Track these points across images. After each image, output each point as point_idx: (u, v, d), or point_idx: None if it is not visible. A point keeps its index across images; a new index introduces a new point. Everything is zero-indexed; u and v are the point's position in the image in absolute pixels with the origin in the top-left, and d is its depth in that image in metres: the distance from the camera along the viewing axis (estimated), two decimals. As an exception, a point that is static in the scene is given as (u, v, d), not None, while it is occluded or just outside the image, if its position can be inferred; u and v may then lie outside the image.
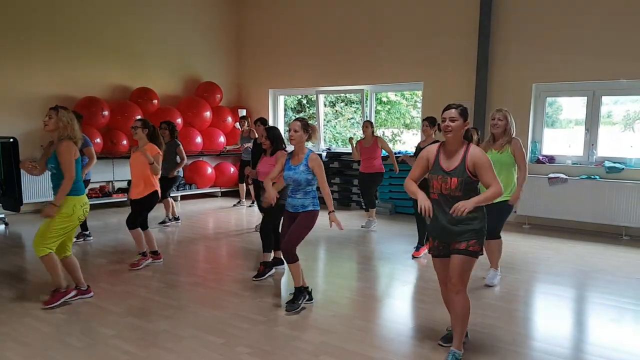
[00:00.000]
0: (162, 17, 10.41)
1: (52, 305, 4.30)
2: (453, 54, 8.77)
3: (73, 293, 4.47)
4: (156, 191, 5.58)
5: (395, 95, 13.05)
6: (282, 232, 4.43)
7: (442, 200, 3.36)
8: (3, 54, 8.32)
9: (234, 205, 9.93)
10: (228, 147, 10.53)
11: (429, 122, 6.06)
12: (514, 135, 4.87)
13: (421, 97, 9.61)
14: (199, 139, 10.32)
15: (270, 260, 5.38)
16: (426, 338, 3.79)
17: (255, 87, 11.67)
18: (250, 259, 5.96)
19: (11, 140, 7.68)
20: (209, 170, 10.74)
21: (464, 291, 3.35)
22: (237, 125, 10.56)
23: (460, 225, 3.29)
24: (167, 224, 7.97)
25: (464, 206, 3.14)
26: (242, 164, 9.27)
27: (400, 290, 5.13)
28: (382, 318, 4.41)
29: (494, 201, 4.39)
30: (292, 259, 4.29)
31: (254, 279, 5.18)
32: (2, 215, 7.81)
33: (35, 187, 8.57)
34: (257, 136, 7.40)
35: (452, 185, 3.28)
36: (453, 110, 3.31)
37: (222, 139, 10.81)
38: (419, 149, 5.97)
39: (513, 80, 8.24)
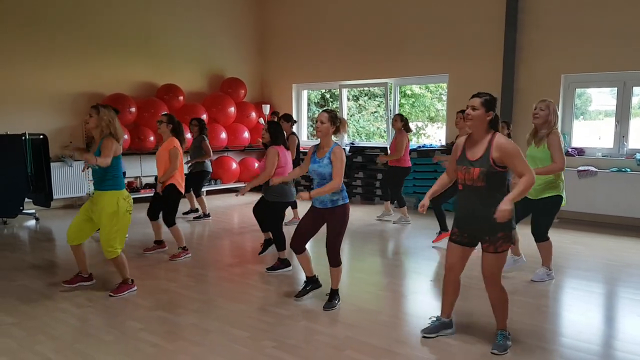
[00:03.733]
0: (187, 14, 10.50)
1: (119, 295, 4.49)
2: (479, 45, 8.63)
3: (135, 288, 4.65)
4: (173, 185, 5.69)
5: (420, 88, 12.91)
6: (299, 227, 4.31)
7: (467, 190, 3.33)
8: (33, 52, 8.51)
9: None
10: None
11: (463, 114, 5.92)
12: (555, 129, 4.61)
13: (446, 90, 9.50)
14: (223, 135, 10.40)
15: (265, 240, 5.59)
16: (451, 335, 3.75)
17: (279, 82, 11.69)
18: (275, 254, 5.98)
19: (41, 136, 7.88)
20: (234, 165, 10.82)
21: (499, 284, 3.42)
22: (262, 120, 10.61)
23: (488, 219, 3.24)
24: (202, 219, 8.03)
25: (504, 210, 3.13)
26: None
27: (426, 285, 5.09)
28: (407, 313, 4.39)
29: (535, 197, 4.34)
30: (336, 262, 4.20)
31: (267, 270, 5.31)
32: (33, 211, 8.01)
33: (65, 183, 8.77)
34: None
35: (474, 176, 3.25)
36: (476, 99, 3.31)
37: (246, 134, 10.87)
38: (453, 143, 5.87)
39: (541, 72, 8.05)
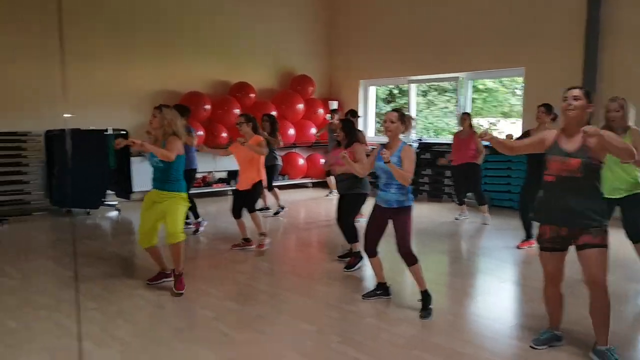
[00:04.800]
0: (258, 14, 10.73)
1: (182, 290, 4.48)
2: (557, 37, 8.19)
3: (171, 279, 4.71)
4: (260, 181, 5.84)
5: (493, 82, 12.48)
6: (367, 231, 4.28)
7: (560, 182, 3.19)
8: (115, 52, 9.01)
9: (326, 195, 10.08)
10: (317, 134, 10.57)
11: (546, 108, 5.61)
12: (632, 126, 4.30)
13: (522, 84, 9.11)
14: (291, 131, 10.55)
15: (354, 250, 5.41)
16: (522, 338, 3.61)
17: (347, 78, 11.70)
18: (338, 250, 6.00)
19: (122, 132, 8.35)
20: (301, 161, 10.96)
21: (605, 286, 3.15)
22: (328, 116, 10.66)
23: (585, 211, 3.12)
24: (280, 213, 8.13)
25: (595, 129, 2.96)
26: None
27: (497, 287, 4.93)
28: (476, 314, 4.27)
29: (624, 195, 4.07)
30: (412, 260, 4.10)
31: (345, 270, 5.23)
32: (115, 202, 8.51)
33: (143, 177, 9.22)
34: None
35: (572, 167, 3.13)
36: (576, 89, 3.22)
37: (313, 130, 10.98)
38: (526, 134, 5.62)
39: (627, 64, 7.53)
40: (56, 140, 8.03)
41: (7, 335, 3.62)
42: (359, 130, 7.38)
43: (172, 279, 4.67)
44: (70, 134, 7.77)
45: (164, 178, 4.50)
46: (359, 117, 7.67)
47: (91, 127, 8.04)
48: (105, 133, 8.11)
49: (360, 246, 5.33)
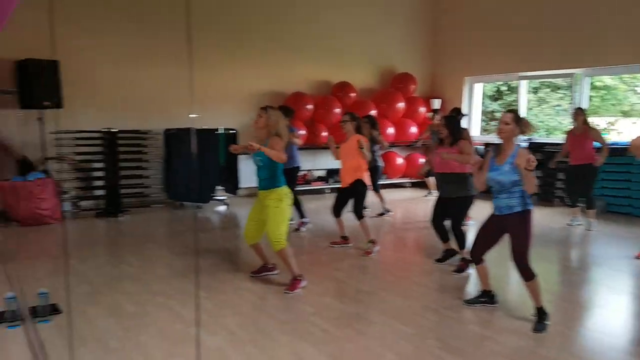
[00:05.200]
0: (360, 12, 10.77)
1: (294, 292, 4.55)
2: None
3: (305, 282, 4.73)
4: (361, 180, 5.85)
5: (612, 79, 11.51)
6: (478, 236, 4.08)
7: None
8: (228, 56, 9.47)
9: (425, 196, 9.91)
10: (420, 138, 10.44)
11: None
12: None
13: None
14: (391, 130, 10.48)
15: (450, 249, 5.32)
16: (638, 354, 3.31)
17: (450, 75, 11.38)
18: (438, 251, 5.86)
19: (232, 131, 8.82)
20: (400, 160, 10.85)
21: None
22: (429, 115, 10.46)
23: None
24: (385, 215, 8.06)
25: None
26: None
27: (613, 299, 4.56)
28: (587, 327, 3.99)
29: None
30: (528, 275, 3.80)
31: (453, 272, 5.12)
32: (224, 197, 9.00)
33: (249, 174, 9.65)
34: None
35: None
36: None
37: (413, 129, 10.83)
38: None
39: None
40: (173, 139, 8.69)
41: (127, 318, 3.97)
42: (463, 128, 7.17)
43: (274, 272, 4.93)
44: (186, 133, 8.37)
45: (266, 176, 4.68)
46: (463, 115, 7.42)
47: (204, 127, 8.56)
48: (217, 132, 8.59)
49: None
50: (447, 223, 5.35)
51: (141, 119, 8.69)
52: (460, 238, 5.23)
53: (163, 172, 8.97)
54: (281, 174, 4.74)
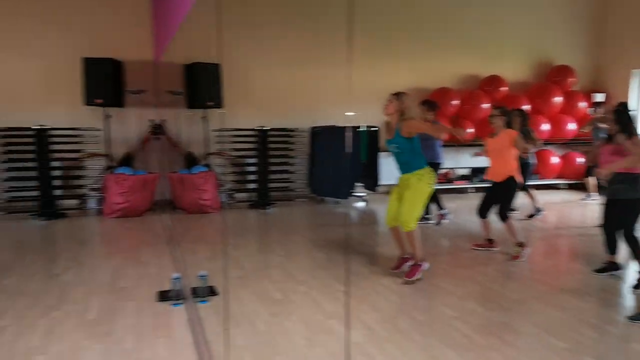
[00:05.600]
0: (515, 4, 10.17)
1: (413, 278, 4.69)
2: None
3: (426, 265, 4.85)
4: (513, 177, 5.52)
5: None
6: None
7: None
8: (373, 55, 9.54)
9: (582, 199, 9.06)
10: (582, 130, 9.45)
11: None
12: None
13: None
14: (546, 126, 9.73)
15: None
16: None
17: (616, 68, 10.24)
18: (594, 261, 5.30)
19: (374, 129, 8.89)
20: (555, 159, 10.03)
21: None
22: (590, 110, 9.51)
23: None
24: (536, 215, 7.62)
25: None
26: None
27: None
28: None
29: None
30: None
31: (633, 289, 4.60)
32: (364, 194, 9.12)
33: (390, 171, 9.65)
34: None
35: None
36: None
37: (571, 126, 9.93)
38: None
39: None
40: (318, 136, 9.04)
41: (273, 305, 4.20)
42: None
43: (411, 263, 4.89)
44: (330, 131, 8.65)
45: (405, 159, 4.72)
46: (631, 111, 6.55)
47: (346, 124, 8.74)
48: (359, 129, 8.73)
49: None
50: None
51: (290, 118, 9.19)
52: (634, 247, 4.64)
53: (307, 168, 9.36)
54: (421, 155, 4.74)
